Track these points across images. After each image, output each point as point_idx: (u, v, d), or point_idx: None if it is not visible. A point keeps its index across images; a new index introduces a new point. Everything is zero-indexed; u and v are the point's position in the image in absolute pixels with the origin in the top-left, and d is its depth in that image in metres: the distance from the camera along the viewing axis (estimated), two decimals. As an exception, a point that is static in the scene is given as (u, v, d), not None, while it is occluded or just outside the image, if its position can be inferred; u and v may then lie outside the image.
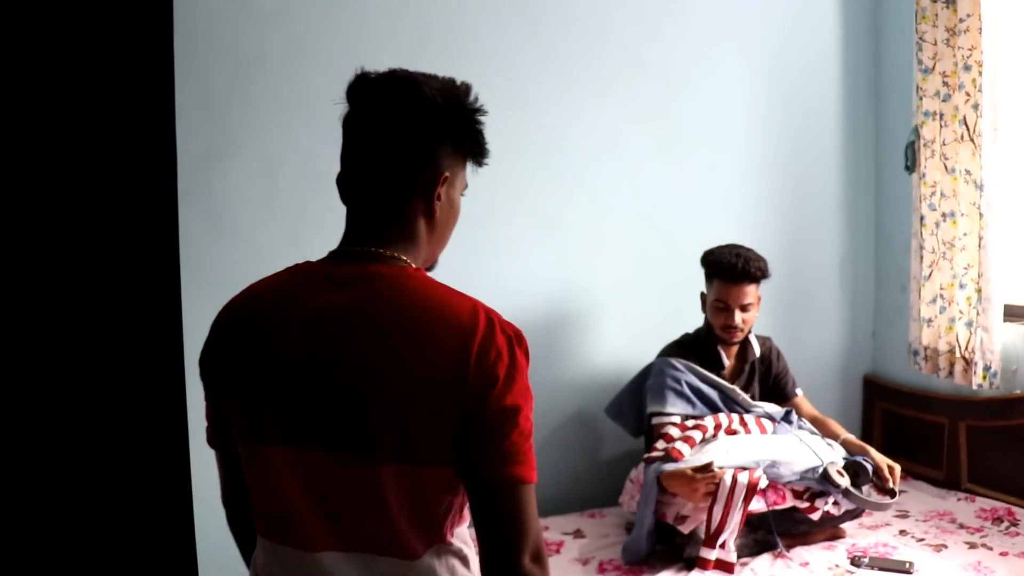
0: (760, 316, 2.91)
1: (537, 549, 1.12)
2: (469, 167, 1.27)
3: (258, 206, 2.61)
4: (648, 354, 2.90)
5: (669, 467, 2.48)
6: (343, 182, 1.25)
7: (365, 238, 1.22)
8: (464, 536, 1.21)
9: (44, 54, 1.90)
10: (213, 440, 1.30)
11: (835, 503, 2.54)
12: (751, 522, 2.53)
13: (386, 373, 1.10)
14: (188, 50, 2.45)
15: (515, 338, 1.14)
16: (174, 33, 2.22)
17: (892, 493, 2.59)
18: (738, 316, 2.74)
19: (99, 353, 1.98)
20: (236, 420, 1.19)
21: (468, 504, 1.15)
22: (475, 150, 1.24)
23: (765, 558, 2.49)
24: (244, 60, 2.58)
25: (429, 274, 1.23)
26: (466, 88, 1.21)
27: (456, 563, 1.18)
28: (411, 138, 1.18)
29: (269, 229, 2.63)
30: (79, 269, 1.96)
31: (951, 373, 3.07)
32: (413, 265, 1.21)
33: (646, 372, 2.83)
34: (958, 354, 3.02)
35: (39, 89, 1.90)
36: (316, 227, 2.66)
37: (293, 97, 2.64)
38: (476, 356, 1.09)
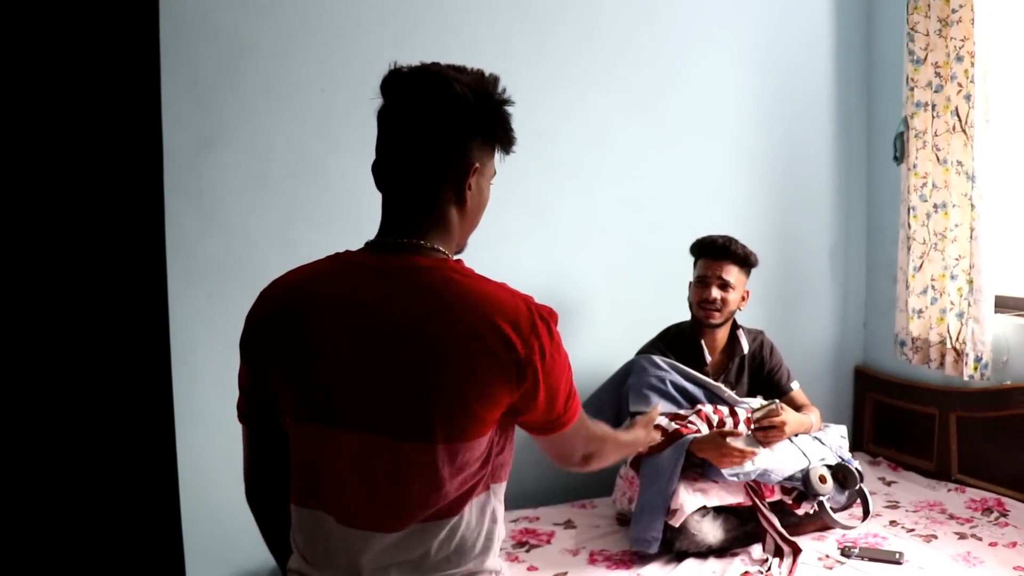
0: (751, 307, 2.90)
1: (587, 455, 1.44)
2: (497, 155, 1.33)
3: (248, 196, 2.60)
4: (639, 344, 2.89)
5: (700, 436, 2.53)
6: (378, 170, 1.30)
7: (403, 229, 1.26)
8: (500, 493, 1.32)
9: (29, 42, 1.88)
10: (244, 416, 1.36)
11: (816, 507, 2.58)
12: (742, 514, 2.54)
13: (436, 365, 1.18)
14: (178, 39, 2.43)
15: (549, 320, 1.23)
16: (165, 22, 2.20)
17: (866, 511, 2.63)
18: (715, 291, 2.73)
19: (86, 343, 1.97)
20: (286, 402, 1.26)
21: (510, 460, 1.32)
22: (503, 140, 1.30)
23: (757, 548, 2.49)
24: (235, 49, 2.55)
25: (458, 257, 1.32)
26: (494, 80, 1.27)
27: (486, 516, 1.29)
28: (443, 133, 1.24)
29: (259, 219, 2.61)
30: (65, 259, 1.94)
31: (942, 364, 3.08)
32: (450, 255, 1.27)
33: (626, 370, 2.79)
34: (949, 345, 3.03)
35: (23, 78, 1.88)
36: (306, 217, 2.65)
37: (284, 86, 2.62)
38: (520, 347, 1.18)
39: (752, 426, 2.61)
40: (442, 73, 1.23)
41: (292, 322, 1.25)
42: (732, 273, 2.75)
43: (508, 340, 1.17)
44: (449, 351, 1.17)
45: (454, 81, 1.22)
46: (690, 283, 2.85)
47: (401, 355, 1.18)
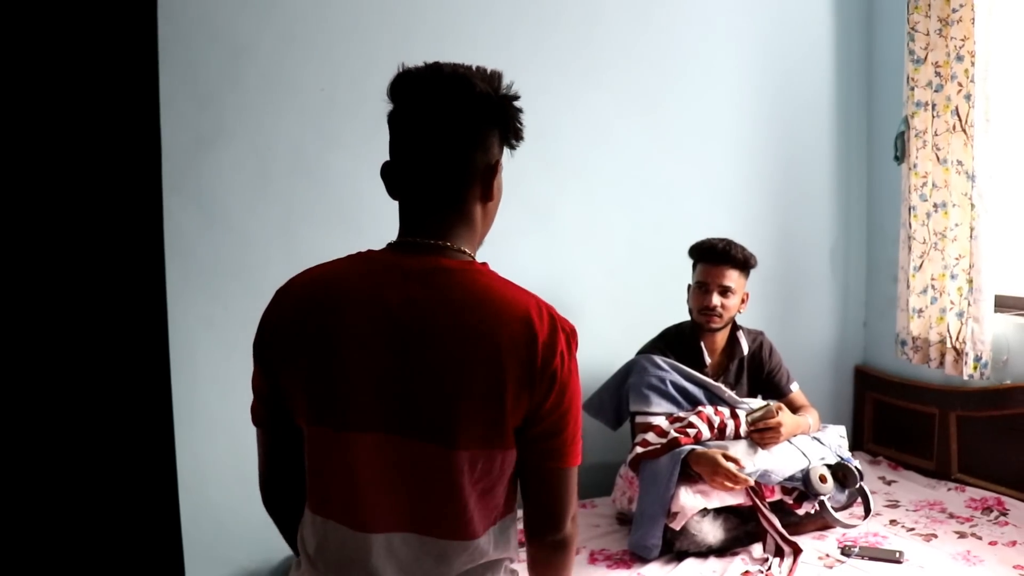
0: (752, 307, 2.90)
1: (575, 513, 1.30)
2: (505, 152, 1.32)
3: (248, 195, 2.59)
4: (639, 344, 2.88)
5: (701, 448, 2.51)
6: (394, 174, 1.27)
7: (429, 230, 1.24)
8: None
9: (27, 41, 1.87)
10: (260, 419, 1.32)
11: (817, 507, 2.58)
12: (742, 514, 2.54)
13: (461, 369, 1.17)
14: (178, 38, 2.43)
15: (571, 335, 1.24)
16: (164, 22, 2.20)
17: (867, 509, 2.64)
18: (716, 298, 2.72)
19: (84, 343, 1.96)
20: (304, 404, 1.23)
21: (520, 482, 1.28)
22: (516, 135, 1.29)
23: (757, 548, 2.49)
24: (235, 49, 2.55)
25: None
26: (500, 76, 1.25)
27: (509, 536, 1.30)
28: (468, 131, 1.22)
29: (259, 218, 2.61)
30: (63, 259, 1.94)
31: (942, 363, 3.08)
32: (474, 256, 1.27)
33: (627, 369, 2.79)
34: (949, 344, 3.03)
35: (22, 78, 1.88)
36: (306, 216, 2.65)
37: (284, 86, 2.62)
38: (542, 358, 1.18)
39: (748, 428, 2.61)
40: (458, 72, 1.21)
41: (315, 321, 1.21)
42: (732, 278, 2.74)
43: (533, 345, 1.17)
44: (474, 355, 1.16)
45: (475, 78, 1.21)
46: (689, 286, 2.84)
47: (426, 357, 1.17)
